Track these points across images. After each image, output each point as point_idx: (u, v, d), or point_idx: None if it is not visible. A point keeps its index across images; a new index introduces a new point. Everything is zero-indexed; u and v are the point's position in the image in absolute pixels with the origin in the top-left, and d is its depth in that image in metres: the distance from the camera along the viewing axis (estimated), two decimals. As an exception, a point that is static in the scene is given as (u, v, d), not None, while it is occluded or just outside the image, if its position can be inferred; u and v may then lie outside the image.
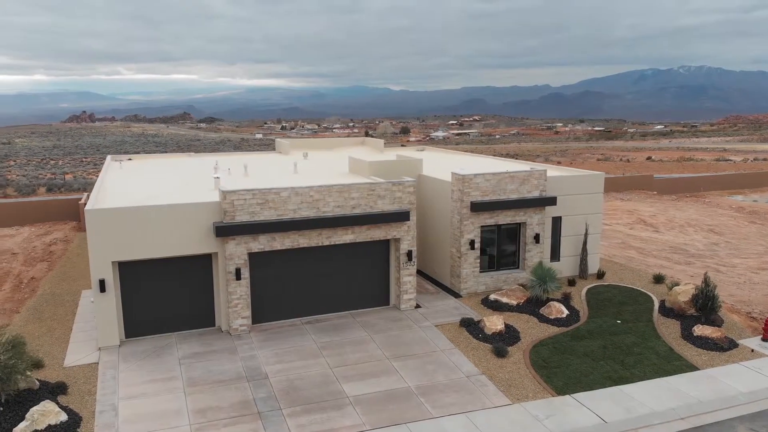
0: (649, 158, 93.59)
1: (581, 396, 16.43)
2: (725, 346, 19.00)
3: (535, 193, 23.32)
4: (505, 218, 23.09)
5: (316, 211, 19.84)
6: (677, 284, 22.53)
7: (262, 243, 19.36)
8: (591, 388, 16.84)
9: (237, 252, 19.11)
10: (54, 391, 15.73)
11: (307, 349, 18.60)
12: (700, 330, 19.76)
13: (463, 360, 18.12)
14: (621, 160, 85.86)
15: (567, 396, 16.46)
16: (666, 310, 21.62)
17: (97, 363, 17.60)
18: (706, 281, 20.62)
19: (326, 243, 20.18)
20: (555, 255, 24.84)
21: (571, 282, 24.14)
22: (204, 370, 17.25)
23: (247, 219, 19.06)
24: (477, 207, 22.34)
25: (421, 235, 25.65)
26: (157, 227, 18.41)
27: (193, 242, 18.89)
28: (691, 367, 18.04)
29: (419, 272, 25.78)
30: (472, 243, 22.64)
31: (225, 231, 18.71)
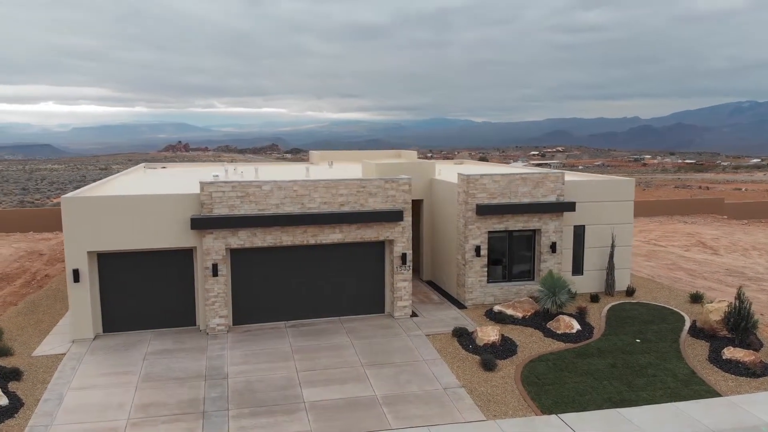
0: (737, 189, 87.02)
1: (569, 417, 14.31)
2: (758, 372, 16.24)
3: (551, 198, 21.31)
4: (516, 224, 21.19)
5: (300, 206, 18.82)
6: (711, 302, 19.82)
7: (242, 238, 18.48)
8: (584, 409, 14.67)
9: (215, 247, 18.32)
10: (7, 376, 15.29)
11: (280, 352, 17.41)
12: (730, 352, 17.07)
13: (445, 371, 16.36)
14: (700, 188, 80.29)
15: (552, 415, 14.38)
16: (696, 331, 18.94)
17: (64, 354, 17.16)
18: (739, 297, 17.90)
19: (312, 242, 19.05)
20: (577, 268, 22.57)
21: (594, 298, 21.77)
22: (164, 367, 16.39)
23: (226, 212, 18.28)
24: (483, 210, 20.61)
25: (432, 243, 24.13)
26: (134, 218, 17.93)
27: (172, 235, 18.27)
28: (713, 393, 15.47)
29: (430, 283, 24.19)
30: (477, 249, 20.86)
31: (201, 224, 18.00)
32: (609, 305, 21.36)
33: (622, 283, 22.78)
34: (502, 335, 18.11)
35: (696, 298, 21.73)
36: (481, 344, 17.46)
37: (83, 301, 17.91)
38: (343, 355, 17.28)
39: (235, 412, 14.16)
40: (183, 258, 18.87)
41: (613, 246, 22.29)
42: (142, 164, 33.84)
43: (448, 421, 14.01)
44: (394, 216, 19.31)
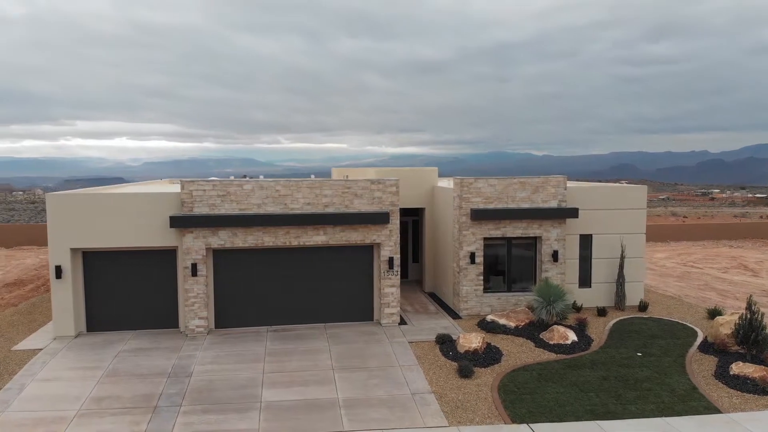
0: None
1: (541, 426, 13.12)
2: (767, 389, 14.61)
3: (552, 203, 20.22)
4: (514, 230, 20.15)
5: (283, 207, 18.46)
6: (723, 314, 18.16)
7: (223, 238, 18.22)
8: (561, 420, 13.44)
9: (194, 246, 18.12)
10: (-25, 367, 15.40)
11: (252, 354, 16.89)
12: (738, 368, 15.45)
13: (419, 377, 15.43)
14: (761, 217, 75.68)
15: (522, 425, 13.22)
16: (706, 346, 17.35)
17: (42, 349, 17.18)
18: (750, 308, 16.28)
19: (294, 243, 18.60)
20: (585, 281, 21.24)
21: (601, 312, 20.34)
22: (132, 364, 16.14)
23: (207, 212, 18.11)
24: (478, 215, 19.72)
25: (434, 253, 23.33)
26: (117, 216, 17.97)
27: (154, 235, 18.19)
28: (712, 410, 13.93)
29: (432, 295, 23.28)
30: (472, 256, 19.91)
31: (180, 222, 17.85)
32: (616, 319, 19.92)
33: (634, 297, 21.26)
34: (488, 343, 17.05)
35: (714, 314, 19.98)
36: (462, 351, 16.45)
37: (65, 299, 17.97)
38: (317, 358, 16.60)
39: (187, 408, 13.69)
40: (166, 258, 18.75)
41: (622, 257, 20.88)
42: (166, 179, 34.45)
43: (407, 425, 13.09)
44: (380, 218, 18.68)
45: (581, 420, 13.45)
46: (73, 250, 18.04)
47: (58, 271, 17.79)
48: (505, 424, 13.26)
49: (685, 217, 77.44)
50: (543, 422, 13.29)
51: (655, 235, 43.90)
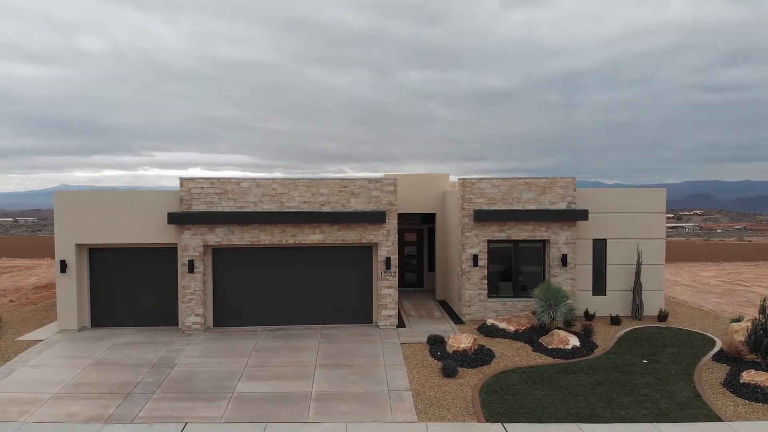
0: None
1: (516, 427, 12.34)
2: (778, 398, 13.29)
3: (561, 205, 19.37)
4: (520, 233, 19.39)
5: (279, 205, 18.45)
6: (739, 320, 16.79)
7: (220, 236, 18.34)
8: (539, 421, 12.63)
9: (192, 243, 18.31)
10: (-28, 353, 15.95)
11: (240, 350, 16.79)
12: (749, 376, 14.16)
13: (401, 375, 14.89)
14: (839, 242, 70.46)
15: (497, 424, 12.47)
16: (721, 355, 16.04)
17: (42, 340, 17.65)
18: (764, 311, 14.95)
19: (291, 242, 18.51)
20: (599, 288, 20.13)
21: (615, 320, 19.18)
22: (121, 355, 16.33)
23: (204, 209, 18.31)
24: (481, 216, 19.10)
25: (444, 259, 22.74)
26: (120, 213, 18.42)
27: (156, 232, 18.51)
28: (713, 417, 12.78)
29: (442, 303, 22.63)
30: (475, 259, 19.25)
31: (177, 219, 18.10)
32: (629, 328, 18.74)
33: (652, 307, 19.97)
34: (481, 345, 16.35)
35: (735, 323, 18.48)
36: (450, 351, 15.82)
37: (69, 293, 18.46)
38: (302, 356, 16.33)
39: (159, 396, 13.68)
40: (168, 256, 19.01)
41: (639, 264, 19.71)
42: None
43: (374, 419, 12.59)
44: (377, 217, 18.38)
45: (561, 422, 12.59)
46: (79, 246, 18.57)
47: (63, 266, 18.33)
48: (478, 422, 12.57)
49: (750, 240, 73.19)
50: (519, 422, 12.52)
51: (706, 255, 41.60)
